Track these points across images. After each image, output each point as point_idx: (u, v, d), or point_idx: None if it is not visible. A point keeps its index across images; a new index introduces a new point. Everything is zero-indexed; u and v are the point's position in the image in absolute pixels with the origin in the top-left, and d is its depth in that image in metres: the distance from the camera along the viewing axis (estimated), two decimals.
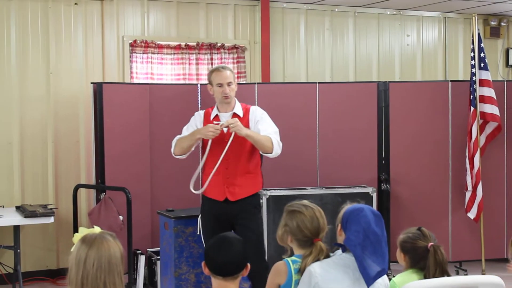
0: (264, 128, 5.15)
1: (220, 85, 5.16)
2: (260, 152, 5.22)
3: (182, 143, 5.20)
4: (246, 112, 5.27)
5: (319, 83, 7.33)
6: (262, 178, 5.39)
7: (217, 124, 5.03)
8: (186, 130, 5.29)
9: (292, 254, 3.53)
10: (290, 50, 8.51)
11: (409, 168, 7.20)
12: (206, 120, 5.27)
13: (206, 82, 7.56)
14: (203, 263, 3.19)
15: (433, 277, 3.45)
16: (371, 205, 6.50)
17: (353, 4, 8.65)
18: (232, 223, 5.19)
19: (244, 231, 5.05)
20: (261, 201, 6.46)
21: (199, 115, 5.36)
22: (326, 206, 6.12)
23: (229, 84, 5.17)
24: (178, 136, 5.28)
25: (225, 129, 5.01)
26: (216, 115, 5.24)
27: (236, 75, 5.74)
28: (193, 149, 5.28)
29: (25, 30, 7.12)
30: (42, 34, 7.19)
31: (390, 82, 7.35)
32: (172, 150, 5.28)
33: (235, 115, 5.20)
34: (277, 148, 5.13)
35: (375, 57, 8.99)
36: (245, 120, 5.18)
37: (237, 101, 5.32)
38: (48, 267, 7.26)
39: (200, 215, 5.41)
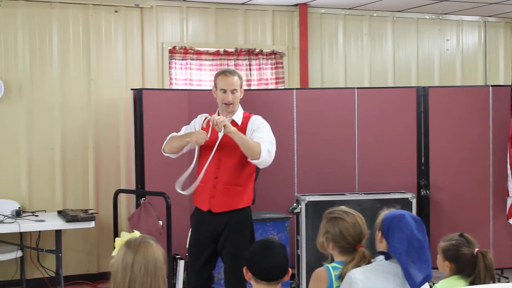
0: (259, 136, 4.74)
1: (224, 91, 4.79)
2: (257, 166, 4.83)
3: (172, 142, 4.87)
4: (246, 120, 4.88)
5: (357, 88, 7.31)
6: (253, 194, 4.92)
7: (206, 120, 4.76)
8: (183, 130, 5.00)
9: (332, 260, 3.51)
10: (328, 56, 8.49)
11: (449, 173, 7.13)
12: (206, 124, 4.87)
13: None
14: (245, 269, 3.20)
15: (484, 282, 3.41)
16: (410, 211, 6.44)
17: (392, 9, 8.60)
18: (216, 239, 4.80)
19: (227, 251, 4.75)
20: (299, 206, 6.46)
21: (201, 117, 4.95)
22: (365, 212, 6.03)
23: (233, 91, 4.79)
24: (173, 134, 4.97)
25: (220, 134, 4.62)
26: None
27: (243, 81, 5.24)
28: (184, 151, 4.91)
29: (67, 38, 7.22)
30: (83, 41, 7.29)
31: (429, 87, 7.29)
32: (162, 147, 4.95)
33: (233, 122, 4.80)
34: (266, 156, 4.66)
35: (414, 62, 8.93)
36: (242, 129, 4.79)
37: (240, 108, 4.92)
38: (89, 271, 7.34)
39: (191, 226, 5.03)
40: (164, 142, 4.95)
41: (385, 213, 3.45)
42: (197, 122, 4.95)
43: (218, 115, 4.84)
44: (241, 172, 4.79)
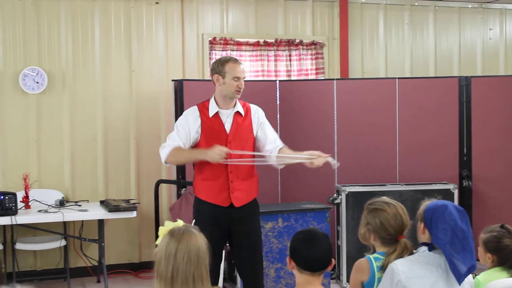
0: (273, 138, 4.77)
1: (237, 78, 4.64)
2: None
3: (180, 158, 4.76)
4: (247, 110, 4.78)
5: (398, 78, 7.26)
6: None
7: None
8: (177, 135, 4.66)
9: (374, 251, 3.50)
10: (369, 46, 8.44)
11: (492, 164, 7.04)
12: (204, 116, 4.69)
13: (280, 78, 7.60)
14: (288, 258, 3.20)
15: None
16: (453, 202, 6.38)
17: None
18: (230, 229, 4.72)
19: (243, 244, 4.71)
20: (339, 197, 6.45)
21: (191, 114, 4.71)
22: (406, 202, 6.00)
23: (243, 78, 4.72)
24: (171, 144, 4.64)
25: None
26: (217, 112, 4.69)
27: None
28: None
29: (108, 29, 7.30)
30: (124, 33, 7.36)
31: (471, 77, 7.21)
32: (163, 158, 4.67)
33: (237, 113, 4.72)
34: None
35: (456, 52, 8.82)
36: (248, 119, 4.75)
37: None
38: (131, 261, 7.42)
39: (194, 220, 4.75)
40: (163, 148, 4.67)
41: (426, 203, 3.40)
42: (191, 119, 4.69)
43: (218, 107, 4.68)
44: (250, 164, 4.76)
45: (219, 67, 4.67)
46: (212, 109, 4.69)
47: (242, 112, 4.73)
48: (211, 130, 4.65)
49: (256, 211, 4.82)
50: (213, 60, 4.90)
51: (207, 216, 4.65)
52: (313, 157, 4.53)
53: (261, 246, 4.83)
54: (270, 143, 4.76)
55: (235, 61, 4.71)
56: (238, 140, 4.66)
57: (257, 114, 4.80)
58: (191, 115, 4.70)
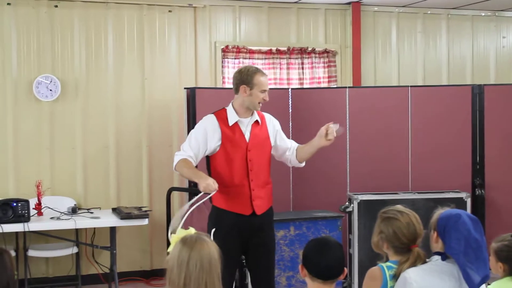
0: (290, 144, 4.88)
1: (264, 91, 4.64)
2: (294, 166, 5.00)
3: (182, 171, 4.67)
4: (262, 118, 4.80)
5: (411, 86, 7.24)
6: None
7: None
8: (189, 146, 4.66)
9: (387, 260, 3.49)
10: (381, 54, 8.43)
11: (506, 173, 7.00)
12: (224, 126, 4.66)
13: (293, 86, 7.60)
14: (300, 266, 3.19)
15: None
16: (465, 210, 6.35)
17: (446, 6, 8.49)
18: (249, 237, 4.68)
19: (259, 248, 4.71)
20: (351, 205, 6.43)
21: (211, 124, 4.68)
22: (418, 211, 5.92)
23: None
24: (182, 155, 4.65)
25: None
26: (236, 122, 4.67)
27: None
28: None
29: (121, 37, 7.33)
30: (137, 40, 7.39)
31: (485, 85, 7.18)
32: (174, 165, 4.68)
33: (256, 122, 4.73)
34: None
35: (469, 60, 8.79)
36: (264, 127, 4.78)
37: None
38: (142, 268, 7.43)
39: (214, 230, 4.31)
40: (176, 156, 4.69)
41: (440, 212, 3.38)
42: (209, 128, 4.66)
43: (238, 116, 4.66)
44: (269, 170, 4.80)
45: (248, 78, 4.64)
46: (232, 118, 4.67)
47: (260, 121, 4.76)
48: (232, 140, 4.64)
49: (272, 218, 4.86)
50: (237, 69, 4.82)
51: (228, 225, 4.62)
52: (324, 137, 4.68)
53: (274, 254, 4.88)
54: (289, 150, 4.87)
55: (263, 74, 4.71)
56: (257, 148, 4.69)
57: (272, 122, 4.85)
58: (211, 125, 4.67)
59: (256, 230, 4.67)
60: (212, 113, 4.76)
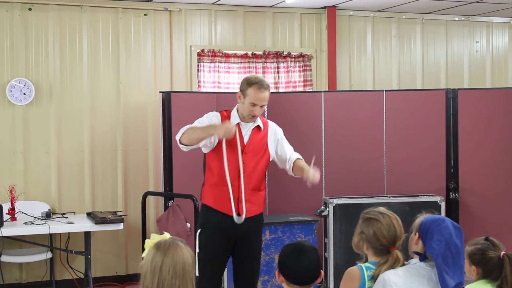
0: (288, 153, 4.84)
1: (254, 105, 4.59)
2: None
3: (193, 133, 4.59)
4: (265, 125, 4.81)
5: (386, 90, 7.28)
6: None
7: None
8: (203, 122, 4.73)
9: (367, 260, 3.50)
10: (356, 58, 8.47)
11: (480, 177, 7.05)
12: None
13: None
14: (277, 272, 3.20)
15: (511, 287, 3.38)
16: (439, 214, 6.39)
17: (421, 11, 8.55)
18: (236, 240, 4.73)
19: (244, 253, 4.74)
20: (327, 209, 6.45)
21: (215, 116, 4.76)
22: None
23: (262, 106, 4.64)
24: (188, 125, 4.69)
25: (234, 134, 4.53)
26: (238, 124, 4.68)
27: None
28: (200, 145, 4.67)
29: (96, 41, 7.29)
30: (112, 44, 7.35)
31: (458, 89, 7.23)
32: (178, 136, 4.67)
33: (257, 127, 4.74)
34: None
35: (443, 64, 8.86)
36: (265, 134, 4.78)
37: None
38: (117, 273, 7.39)
39: (200, 229, 4.74)
40: (180, 130, 4.69)
41: (423, 216, 3.45)
42: (214, 120, 4.71)
43: (240, 119, 4.68)
44: (263, 177, 4.82)
45: (244, 86, 4.65)
46: (234, 119, 4.69)
47: (262, 127, 4.77)
48: (230, 139, 4.59)
49: (261, 227, 4.90)
50: (244, 78, 4.78)
51: (215, 226, 4.66)
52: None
53: (260, 259, 4.92)
54: (288, 162, 4.84)
55: (260, 88, 4.60)
56: (253, 152, 4.70)
57: (275, 131, 4.85)
58: (216, 118, 4.72)
59: (243, 234, 4.68)
60: (218, 111, 4.83)
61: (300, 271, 3.12)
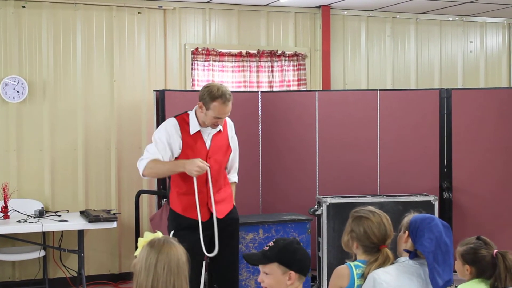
0: (235, 163, 4.94)
1: (218, 118, 4.56)
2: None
3: (159, 171, 4.65)
4: (224, 124, 4.79)
5: (380, 90, 7.29)
6: None
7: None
8: (156, 148, 4.60)
9: (356, 260, 3.51)
10: (351, 57, 8.47)
11: (474, 177, 7.07)
12: (185, 134, 4.64)
13: (262, 89, 7.61)
14: (292, 273, 3.11)
15: (505, 284, 3.39)
16: (433, 214, 6.40)
17: (415, 10, 8.56)
18: (211, 239, 4.69)
19: (224, 250, 4.69)
20: (320, 208, 6.45)
21: (174, 128, 4.63)
22: (386, 214, 6.06)
23: (226, 115, 4.64)
24: (149, 157, 4.59)
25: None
26: (199, 131, 4.65)
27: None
28: None
29: (90, 39, 7.27)
30: (106, 42, 7.34)
31: (452, 89, 7.25)
32: (141, 170, 4.62)
33: (219, 132, 4.73)
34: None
35: (437, 64, 8.88)
36: (225, 132, 4.79)
37: None
38: (111, 271, 7.37)
39: (173, 232, 4.69)
40: (141, 161, 4.63)
41: (412, 215, 3.48)
42: (173, 134, 4.62)
43: (199, 125, 4.63)
44: (224, 174, 4.85)
45: (206, 98, 4.53)
46: (193, 126, 4.64)
47: (222, 129, 4.77)
48: (192, 147, 4.62)
49: (237, 219, 4.89)
50: (207, 84, 4.70)
51: (186, 228, 4.62)
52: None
53: (238, 255, 4.91)
54: (231, 173, 4.94)
55: (224, 102, 4.51)
56: (217, 154, 4.72)
57: (231, 126, 4.89)
58: (174, 130, 4.63)
59: (218, 233, 4.65)
60: (174, 117, 4.72)
61: (309, 261, 3.18)
